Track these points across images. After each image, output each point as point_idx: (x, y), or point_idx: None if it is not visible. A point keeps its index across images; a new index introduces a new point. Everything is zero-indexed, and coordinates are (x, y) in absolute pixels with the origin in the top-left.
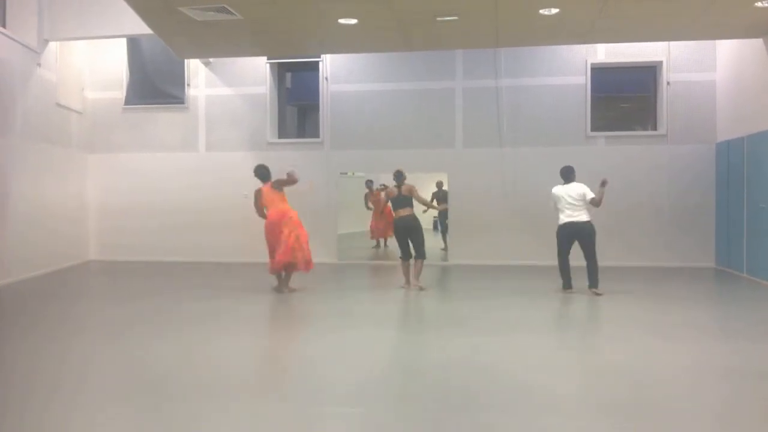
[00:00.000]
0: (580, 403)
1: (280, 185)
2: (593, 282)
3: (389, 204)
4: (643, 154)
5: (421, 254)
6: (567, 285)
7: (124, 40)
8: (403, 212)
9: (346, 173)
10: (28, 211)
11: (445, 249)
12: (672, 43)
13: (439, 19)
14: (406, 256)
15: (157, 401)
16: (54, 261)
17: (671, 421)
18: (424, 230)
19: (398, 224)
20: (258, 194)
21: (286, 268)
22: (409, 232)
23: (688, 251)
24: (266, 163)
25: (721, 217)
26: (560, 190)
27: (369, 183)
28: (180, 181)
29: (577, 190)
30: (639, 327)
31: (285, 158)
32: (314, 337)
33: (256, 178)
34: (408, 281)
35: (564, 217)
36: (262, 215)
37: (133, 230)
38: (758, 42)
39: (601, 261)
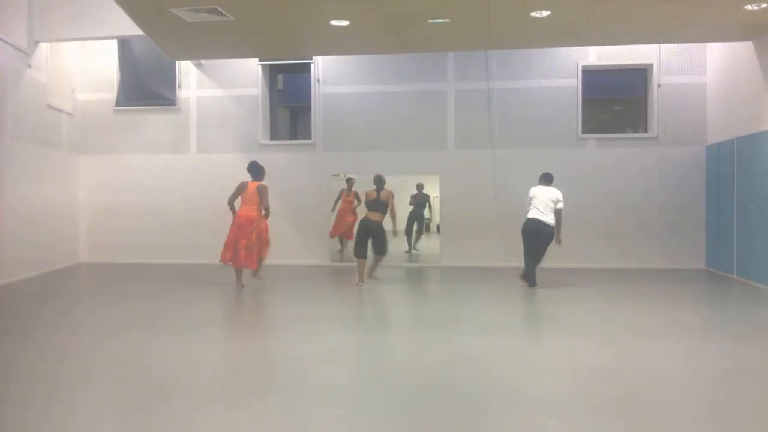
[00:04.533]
0: (573, 404)
1: (263, 194)
2: (528, 276)
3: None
4: (633, 157)
5: (381, 251)
6: (532, 283)
7: (114, 42)
8: (374, 216)
9: (337, 175)
10: (19, 213)
11: (409, 251)
12: (663, 45)
13: (430, 21)
14: (362, 254)
15: (152, 403)
16: (45, 263)
17: (663, 421)
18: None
19: (365, 224)
20: (243, 185)
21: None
22: (373, 234)
23: (679, 253)
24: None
25: (711, 219)
26: (537, 190)
27: (350, 180)
28: (171, 183)
29: (552, 194)
30: (630, 328)
31: (276, 160)
32: (304, 339)
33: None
34: (362, 279)
35: (530, 214)
36: (232, 205)
37: (124, 232)
38: (748, 45)
39: (592, 263)
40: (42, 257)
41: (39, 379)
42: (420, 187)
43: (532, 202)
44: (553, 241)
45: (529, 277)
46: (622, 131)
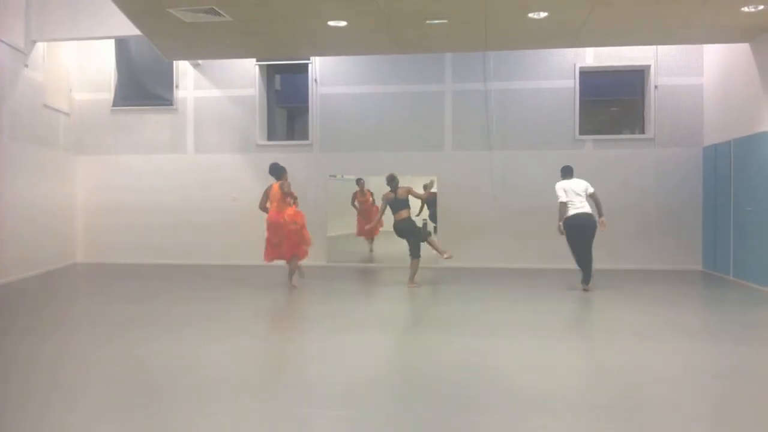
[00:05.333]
0: (573, 404)
1: (283, 186)
2: (586, 278)
3: (376, 206)
4: (630, 158)
5: (414, 254)
6: (586, 279)
7: (112, 41)
8: (401, 215)
9: (335, 176)
10: (16, 212)
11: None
12: (660, 47)
13: (428, 22)
14: (416, 254)
15: (152, 403)
16: (41, 263)
17: (662, 422)
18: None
19: (395, 227)
20: (268, 189)
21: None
22: (406, 235)
23: (676, 254)
24: (255, 166)
25: (708, 221)
26: (567, 183)
27: (359, 181)
28: (169, 183)
29: (581, 184)
30: (628, 329)
31: (274, 160)
32: (306, 339)
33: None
34: (412, 278)
35: (572, 210)
36: (264, 208)
37: (121, 232)
38: (745, 47)
39: None
40: (39, 257)
41: (37, 378)
42: (427, 187)
43: (568, 196)
44: (601, 225)
45: (586, 275)
46: (619, 132)
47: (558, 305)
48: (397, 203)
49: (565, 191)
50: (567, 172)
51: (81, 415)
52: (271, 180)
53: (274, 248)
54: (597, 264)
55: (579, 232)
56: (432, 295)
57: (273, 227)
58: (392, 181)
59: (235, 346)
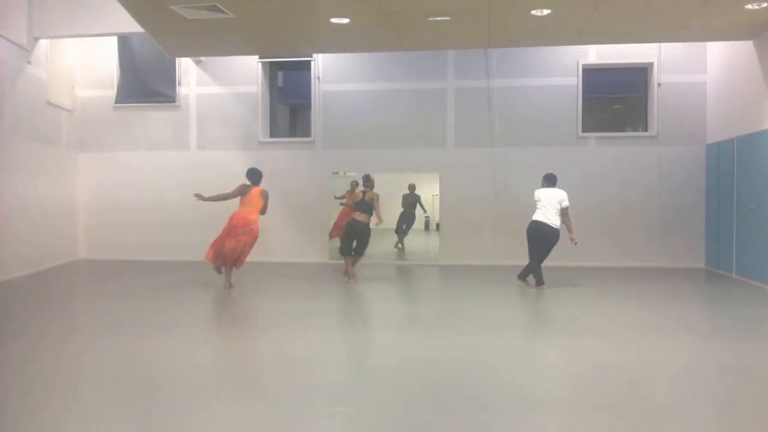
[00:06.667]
0: (573, 402)
1: (267, 199)
2: (524, 275)
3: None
4: (633, 155)
5: (361, 253)
6: (540, 281)
7: (114, 38)
8: (361, 217)
9: (337, 173)
10: (18, 210)
11: (402, 249)
12: (663, 44)
13: (431, 19)
14: (348, 251)
15: (146, 400)
16: (43, 260)
17: (663, 419)
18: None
19: (353, 226)
20: (245, 188)
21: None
22: (359, 236)
23: (679, 252)
24: (257, 164)
25: (711, 218)
26: (542, 192)
27: (355, 183)
28: (171, 180)
29: (558, 195)
30: (630, 326)
31: (276, 157)
32: (300, 336)
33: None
34: (353, 275)
35: (537, 216)
36: (223, 197)
37: (123, 229)
38: (748, 44)
39: (592, 261)
40: (42, 254)
41: (37, 377)
42: (412, 188)
43: (538, 204)
44: (571, 242)
45: (536, 276)
46: (622, 130)
47: (559, 303)
48: (362, 204)
49: (536, 200)
50: (549, 180)
51: (81, 415)
52: (247, 181)
53: (222, 246)
54: (601, 261)
55: (534, 238)
56: (433, 293)
57: (236, 228)
58: (368, 181)
59: (234, 346)
